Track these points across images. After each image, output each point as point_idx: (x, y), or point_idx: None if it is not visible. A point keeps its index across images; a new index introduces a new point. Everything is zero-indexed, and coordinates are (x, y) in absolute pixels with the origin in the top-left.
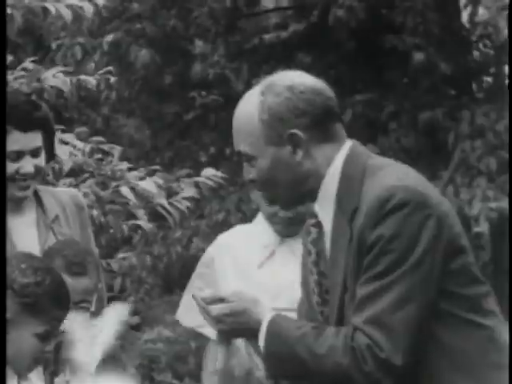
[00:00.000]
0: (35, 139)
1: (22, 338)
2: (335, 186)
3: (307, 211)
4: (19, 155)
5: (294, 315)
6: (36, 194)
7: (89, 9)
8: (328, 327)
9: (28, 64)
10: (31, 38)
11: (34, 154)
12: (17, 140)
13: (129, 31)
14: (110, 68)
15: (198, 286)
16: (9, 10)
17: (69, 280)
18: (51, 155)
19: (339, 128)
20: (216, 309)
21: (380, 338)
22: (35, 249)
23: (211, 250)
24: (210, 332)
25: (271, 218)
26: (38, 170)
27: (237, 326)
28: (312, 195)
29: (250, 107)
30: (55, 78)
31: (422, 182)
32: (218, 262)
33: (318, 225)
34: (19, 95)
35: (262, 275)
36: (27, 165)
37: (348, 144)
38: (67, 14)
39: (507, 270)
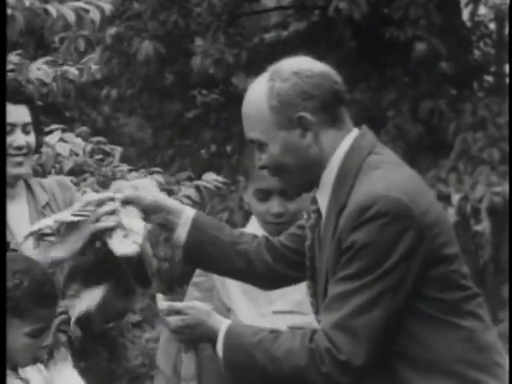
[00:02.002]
0: (25, 114)
1: (13, 338)
2: (333, 177)
3: (298, 207)
4: (12, 128)
5: (293, 317)
6: (26, 183)
7: (95, 14)
8: (285, 331)
9: (13, 57)
10: (33, 37)
11: (25, 129)
12: (9, 112)
13: (130, 27)
14: (93, 56)
15: (194, 296)
16: (9, 11)
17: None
18: (39, 143)
19: (346, 114)
20: (173, 321)
21: (341, 341)
22: (26, 230)
23: None
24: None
25: (263, 217)
26: (30, 147)
27: (194, 337)
28: (317, 182)
29: (258, 94)
30: (39, 70)
31: (411, 190)
32: None
33: (318, 212)
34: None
35: None
36: (19, 139)
37: (353, 134)
38: (70, 16)
39: (507, 270)
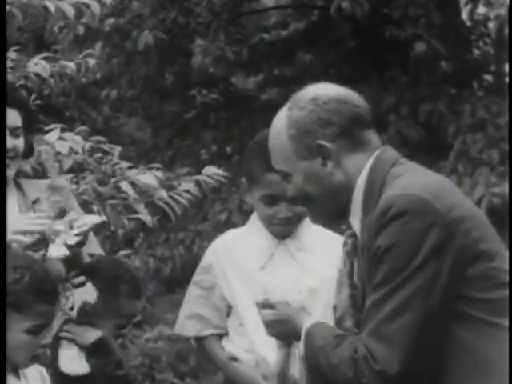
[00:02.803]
0: (15, 118)
1: (12, 335)
2: (361, 197)
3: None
4: None
5: None
6: (16, 183)
7: (95, 7)
8: (349, 337)
9: (11, 53)
10: (32, 36)
11: (14, 133)
12: None
13: (130, 22)
14: (91, 51)
15: (196, 294)
16: (8, 8)
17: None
18: (30, 148)
19: (370, 135)
20: (266, 314)
21: (376, 348)
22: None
23: (208, 257)
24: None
25: (270, 220)
26: (17, 151)
27: (284, 332)
28: (348, 207)
29: (279, 124)
30: (36, 65)
31: (433, 187)
32: (217, 267)
33: (354, 236)
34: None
35: (263, 277)
36: (7, 142)
37: (377, 152)
38: (69, 11)
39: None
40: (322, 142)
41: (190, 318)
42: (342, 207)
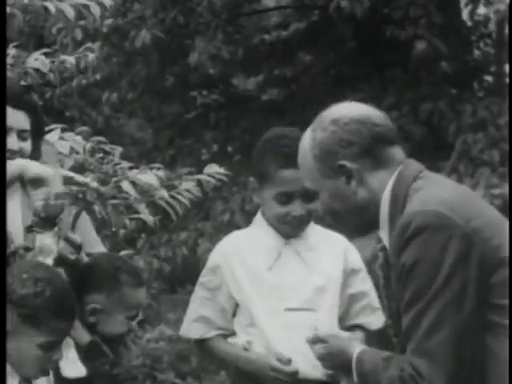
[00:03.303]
0: (24, 121)
1: (25, 348)
2: (387, 210)
3: (317, 208)
4: (7, 131)
5: (304, 314)
6: (21, 181)
7: (95, 9)
8: (396, 357)
9: (10, 50)
10: (32, 36)
11: (21, 136)
12: (8, 115)
13: (130, 22)
14: (90, 45)
15: (202, 296)
16: (9, 10)
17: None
18: (37, 153)
19: (394, 151)
20: (317, 349)
21: (420, 366)
22: (19, 229)
23: (215, 258)
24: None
25: (283, 219)
26: (24, 154)
27: (336, 364)
28: (376, 222)
29: (304, 143)
30: (36, 60)
31: (450, 200)
32: (225, 267)
33: (384, 249)
34: (15, 81)
35: (271, 277)
36: (13, 142)
37: (400, 167)
38: (70, 13)
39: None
40: (343, 162)
41: (196, 320)
42: (369, 222)
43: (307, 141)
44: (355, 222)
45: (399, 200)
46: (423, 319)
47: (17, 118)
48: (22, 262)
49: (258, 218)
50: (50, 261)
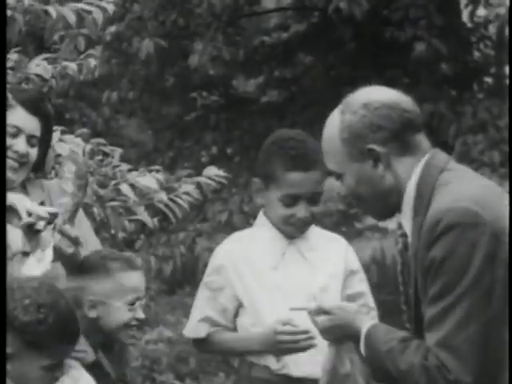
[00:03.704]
0: (35, 127)
1: (28, 371)
2: (411, 200)
3: (321, 211)
4: (17, 132)
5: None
6: (23, 185)
7: (98, 14)
8: (413, 341)
9: (12, 55)
10: (33, 39)
11: (30, 141)
12: (18, 116)
13: (131, 26)
14: (92, 52)
15: (206, 296)
16: (9, 13)
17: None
18: (41, 163)
19: (420, 140)
20: (321, 321)
21: (448, 359)
22: (18, 233)
23: (219, 258)
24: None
25: (287, 220)
26: (29, 159)
27: (341, 336)
28: (399, 207)
29: (331, 126)
30: (37, 66)
31: (480, 197)
32: (230, 267)
33: (405, 236)
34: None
35: (276, 277)
36: (21, 145)
37: (426, 156)
38: (71, 17)
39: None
40: (372, 145)
41: (201, 320)
42: (391, 208)
43: (335, 123)
44: (379, 206)
45: (425, 192)
46: (451, 314)
47: (30, 123)
48: (23, 284)
49: (261, 218)
50: (49, 252)
